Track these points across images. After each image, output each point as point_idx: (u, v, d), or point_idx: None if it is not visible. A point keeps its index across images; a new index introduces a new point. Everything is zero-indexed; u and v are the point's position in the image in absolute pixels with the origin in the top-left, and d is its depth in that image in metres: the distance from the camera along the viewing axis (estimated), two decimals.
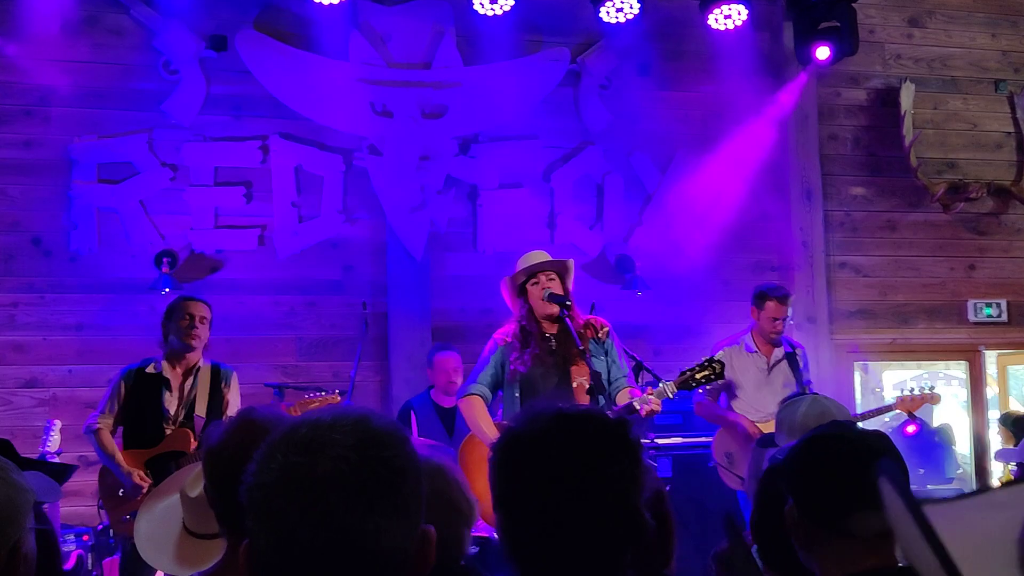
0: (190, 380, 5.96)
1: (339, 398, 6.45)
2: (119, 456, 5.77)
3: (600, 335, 5.77)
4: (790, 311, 6.93)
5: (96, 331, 7.12)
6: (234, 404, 6.06)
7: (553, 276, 5.73)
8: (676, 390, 5.62)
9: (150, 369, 5.92)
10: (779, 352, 6.92)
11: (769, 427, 6.42)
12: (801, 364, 6.90)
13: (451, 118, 8.02)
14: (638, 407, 5.43)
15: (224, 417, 5.96)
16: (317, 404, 6.32)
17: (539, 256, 5.86)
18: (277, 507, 1.39)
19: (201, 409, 5.93)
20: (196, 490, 2.72)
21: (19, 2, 7.40)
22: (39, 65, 7.42)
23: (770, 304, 6.81)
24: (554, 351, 5.70)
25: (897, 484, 1.07)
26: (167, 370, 5.92)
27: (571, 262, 5.90)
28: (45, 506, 2.30)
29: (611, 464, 1.78)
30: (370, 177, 7.87)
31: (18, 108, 7.48)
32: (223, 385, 6.05)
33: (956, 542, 1.01)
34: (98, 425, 5.83)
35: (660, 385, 5.60)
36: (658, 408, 5.50)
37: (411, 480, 1.45)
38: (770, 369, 6.88)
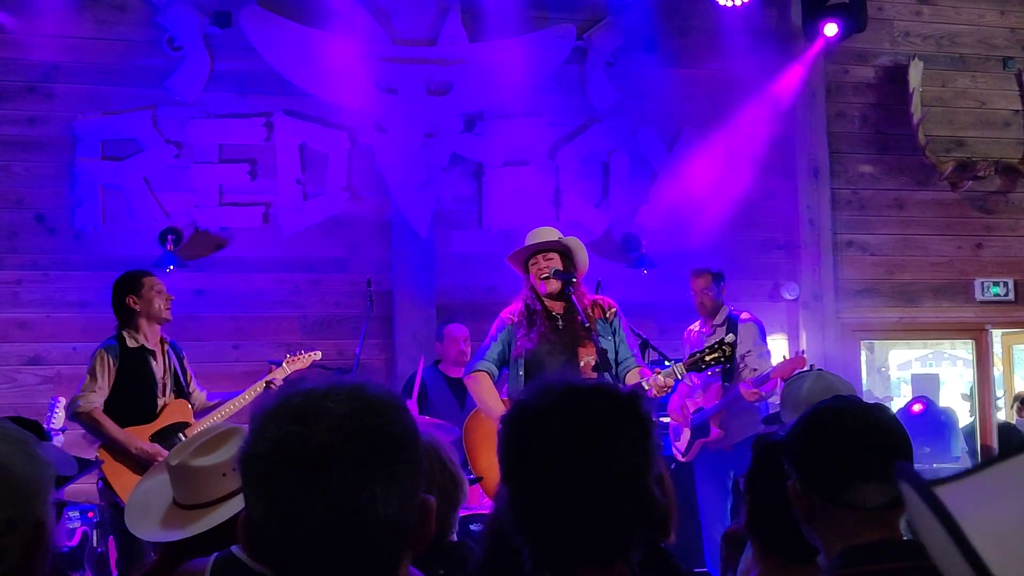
0: (165, 350, 5.88)
1: (319, 355, 6.44)
2: (129, 434, 5.58)
3: (608, 315, 5.76)
4: (708, 282, 6.95)
5: (100, 308, 7.03)
6: (193, 377, 6.07)
7: (553, 255, 5.70)
8: (686, 371, 5.65)
9: (131, 343, 5.73)
10: (711, 326, 6.95)
11: (701, 399, 6.70)
12: (740, 336, 6.69)
13: (456, 95, 7.99)
14: (647, 387, 5.43)
15: (190, 389, 5.99)
16: (299, 362, 6.34)
17: (544, 233, 5.82)
18: (273, 478, 1.37)
19: (182, 379, 5.93)
20: (176, 460, 2.72)
21: None
22: (42, 41, 7.40)
23: (691, 280, 7.02)
24: (560, 330, 5.68)
25: (913, 482, 1.03)
26: (143, 341, 5.77)
27: (573, 240, 5.84)
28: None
29: (621, 439, 1.76)
30: (375, 154, 7.85)
31: (22, 84, 7.46)
32: (182, 359, 6.03)
33: (978, 528, 0.97)
34: (94, 404, 5.59)
35: (670, 366, 5.62)
36: (670, 385, 5.53)
37: (409, 448, 1.43)
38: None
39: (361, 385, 1.45)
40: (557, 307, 5.71)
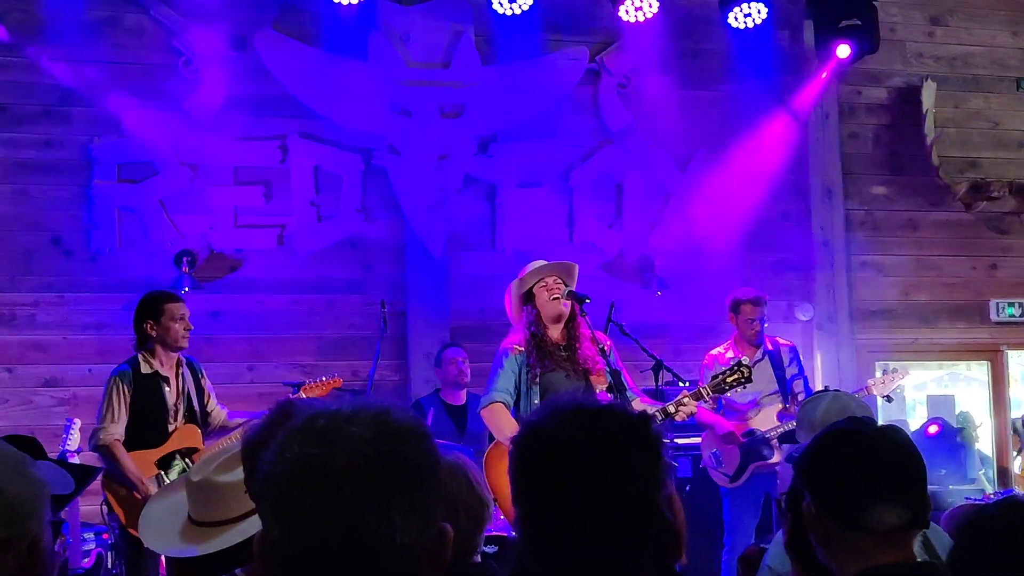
0: (180, 375, 5.91)
1: (340, 381, 6.54)
2: (140, 474, 5.60)
3: (604, 349, 5.78)
4: (765, 310, 7.12)
5: (116, 330, 7.09)
6: (213, 394, 6.11)
7: (560, 280, 5.73)
8: (712, 394, 5.73)
9: (145, 369, 5.78)
10: (759, 353, 7.04)
11: (751, 424, 6.88)
12: (787, 360, 7.10)
13: (470, 117, 8.02)
14: (673, 410, 5.47)
15: (208, 407, 6.03)
16: (318, 389, 6.41)
17: (541, 263, 5.89)
18: (291, 498, 1.37)
19: (196, 402, 5.94)
20: (199, 475, 2.71)
21: (39, 2, 7.44)
22: (59, 65, 7.44)
23: (745, 308, 7.06)
24: (568, 358, 5.69)
25: None
26: (158, 366, 5.81)
27: (575, 266, 5.90)
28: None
29: (631, 459, 1.76)
30: (389, 176, 7.88)
31: (38, 108, 7.51)
32: (201, 378, 6.05)
33: None
34: (114, 436, 5.64)
35: (697, 389, 5.71)
36: (695, 411, 5.63)
37: (429, 476, 1.43)
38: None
39: (386, 410, 1.44)
40: (559, 335, 5.73)
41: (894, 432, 2.21)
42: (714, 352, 7.11)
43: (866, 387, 7.11)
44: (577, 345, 5.69)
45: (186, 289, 7.24)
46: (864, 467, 2.11)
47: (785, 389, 6.97)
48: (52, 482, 1.96)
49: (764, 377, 6.95)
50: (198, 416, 5.95)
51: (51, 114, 7.52)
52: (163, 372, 5.83)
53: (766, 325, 7.15)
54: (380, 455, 1.38)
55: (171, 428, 5.80)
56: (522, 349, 5.69)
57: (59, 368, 7.39)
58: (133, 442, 5.71)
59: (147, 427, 5.74)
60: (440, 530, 1.45)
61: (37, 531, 1.79)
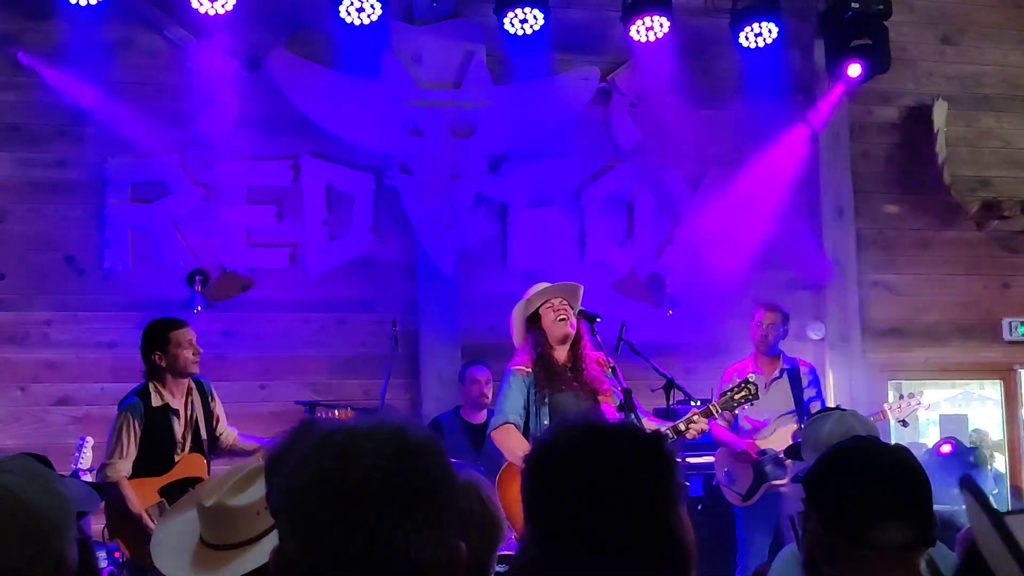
0: (189, 403, 5.91)
1: (350, 413, 6.49)
2: (143, 511, 5.60)
3: (607, 371, 5.80)
4: (777, 319, 7.15)
5: (129, 349, 7.05)
6: (223, 416, 6.11)
7: (565, 302, 5.76)
8: (721, 410, 5.75)
9: (155, 401, 5.77)
10: (776, 371, 7.09)
11: (766, 443, 6.85)
12: (806, 381, 7.11)
13: (481, 137, 8.04)
14: (684, 428, 5.49)
15: (216, 431, 6.03)
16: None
17: (545, 285, 5.91)
18: (308, 513, 1.39)
19: (203, 430, 5.94)
20: (211, 500, 2.71)
21: (53, 23, 7.48)
22: (73, 85, 7.47)
23: (757, 312, 7.16)
24: (575, 378, 5.70)
25: (979, 497, 1.09)
26: (169, 398, 5.81)
27: (580, 287, 5.93)
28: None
29: (644, 478, 1.77)
30: (400, 195, 7.89)
31: (52, 128, 7.55)
32: (210, 400, 6.04)
33: None
34: (122, 473, 5.64)
35: (707, 406, 5.74)
36: (706, 428, 5.63)
37: (445, 492, 1.45)
38: (767, 387, 6.94)
39: (403, 426, 1.46)
40: (565, 356, 5.74)
41: (898, 450, 2.23)
42: (734, 368, 7.10)
43: (881, 411, 7.10)
44: (583, 365, 5.71)
45: (198, 308, 7.26)
46: (868, 484, 2.12)
47: (802, 410, 6.95)
48: (79, 499, 1.97)
49: (781, 396, 6.97)
50: (204, 443, 5.94)
51: (65, 134, 7.56)
52: (173, 404, 5.83)
53: (781, 331, 7.16)
54: (397, 470, 1.40)
55: (177, 458, 5.82)
56: (528, 370, 5.71)
57: (72, 387, 7.41)
58: (138, 470, 5.72)
59: (153, 457, 5.75)
60: (453, 546, 1.46)
61: (63, 548, 1.80)
